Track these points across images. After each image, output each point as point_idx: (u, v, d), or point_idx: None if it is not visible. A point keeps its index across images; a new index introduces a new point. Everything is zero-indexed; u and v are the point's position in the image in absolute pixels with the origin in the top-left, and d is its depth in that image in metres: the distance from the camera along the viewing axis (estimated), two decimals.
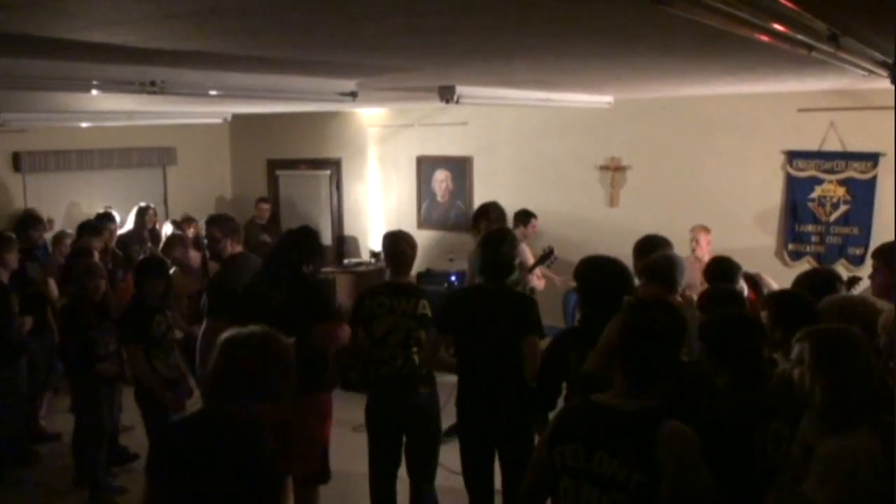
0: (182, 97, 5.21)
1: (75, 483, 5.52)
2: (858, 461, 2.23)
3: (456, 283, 7.51)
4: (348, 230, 10.29)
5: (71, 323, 5.32)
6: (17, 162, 8.61)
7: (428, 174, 9.51)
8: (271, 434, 2.22)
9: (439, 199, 9.48)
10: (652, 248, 4.26)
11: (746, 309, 3.63)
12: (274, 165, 10.71)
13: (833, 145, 7.17)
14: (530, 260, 6.41)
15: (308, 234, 4.52)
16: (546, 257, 6.25)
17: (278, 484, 1.79)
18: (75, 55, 3.62)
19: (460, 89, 5.35)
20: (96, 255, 6.54)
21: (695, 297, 4.08)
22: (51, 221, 8.03)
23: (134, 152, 9.65)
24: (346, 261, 9.72)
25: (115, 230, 7.86)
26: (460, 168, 9.25)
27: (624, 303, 3.06)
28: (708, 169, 7.72)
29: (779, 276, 5.51)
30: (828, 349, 2.38)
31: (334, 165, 10.23)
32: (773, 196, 7.51)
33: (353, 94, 5.35)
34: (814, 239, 7.35)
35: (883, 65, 3.78)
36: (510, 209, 7.08)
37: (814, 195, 7.30)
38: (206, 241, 5.11)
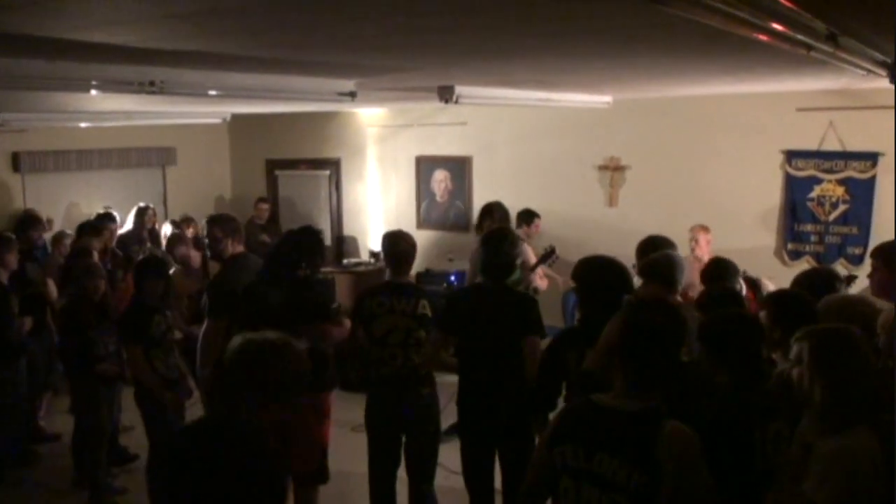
0: (181, 97, 5.20)
1: (75, 483, 5.52)
2: (858, 461, 2.23)
3: (455, 283, 7.51)
4: (348, 230, 10.29)
5: (70, 323, 5.32)
6: (16, 162, 8.60)
7: (427, 174, 9.50)
8: (271, 434, 2.22)
9: (438, 199, 9.47)
10: (654, 249, 4.23)
11: (746, 309, 3.63)
12: (273, 165, 10.70)
13: (832, 145, 7.17)
14: (533, 260, 6.41)
15: (309, 235, 4.52)
16: (547, 256, 6.24)
17: (280, 485, 1.79)
18: (75, 55, 3.62)
19: (459, 89, 5.35)
20: (96, 256, 6.52)
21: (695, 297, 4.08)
22: (50, 222, 8.03)
23: (133, 152, 9.63)
24: (345, 261, 9.71)
25: (114, 230, 7.82)
26: (459, 168, 9.25)
27: (624, 302, 3.07)
28: (707, 169, 7.71)
29: (778, 276, 5.51)
30: (827, 349, 2.38)
31: (334, 165, 10.22)
32: (772, 196, 7.51)
33: (353, 95, 5.35)
34: (813, 238, 7.36)
35: (882, 64, 3.78)
36: (510, 209, 7.10)
37: (813, 195, 7.31)
38: (206, 240, 5.10)
